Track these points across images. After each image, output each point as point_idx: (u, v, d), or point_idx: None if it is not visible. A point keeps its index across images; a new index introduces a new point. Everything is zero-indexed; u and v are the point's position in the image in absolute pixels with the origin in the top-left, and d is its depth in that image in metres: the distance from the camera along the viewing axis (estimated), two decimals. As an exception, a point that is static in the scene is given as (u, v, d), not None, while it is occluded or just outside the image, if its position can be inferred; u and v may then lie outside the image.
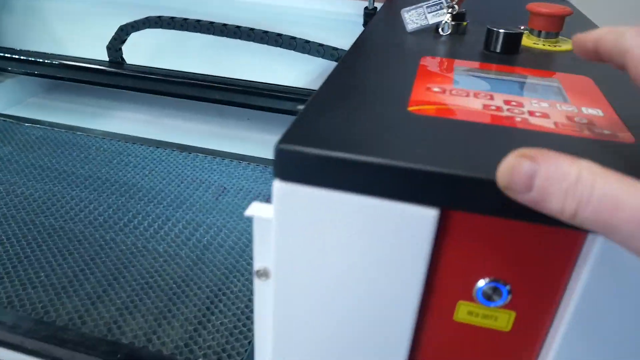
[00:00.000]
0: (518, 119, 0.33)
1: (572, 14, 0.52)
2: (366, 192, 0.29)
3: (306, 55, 0.87)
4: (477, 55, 0.48)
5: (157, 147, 0.97)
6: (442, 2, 0.54)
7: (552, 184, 0.22)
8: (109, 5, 1.15)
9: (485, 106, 0.35)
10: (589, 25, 0.64)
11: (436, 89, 0.38)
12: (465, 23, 0.56)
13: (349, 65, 0.43)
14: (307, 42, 0.86)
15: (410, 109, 0.34)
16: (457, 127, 0.32)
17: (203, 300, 0.63)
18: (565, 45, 0.53)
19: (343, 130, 0.31)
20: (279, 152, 0.30)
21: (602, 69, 0.46)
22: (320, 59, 0.87)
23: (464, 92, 0.37)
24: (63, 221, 0.76)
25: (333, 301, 0.33)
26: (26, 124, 1.06)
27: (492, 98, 0.37)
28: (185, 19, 0.92)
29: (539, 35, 0.53)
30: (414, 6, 0.55)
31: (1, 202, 0.81)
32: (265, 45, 0.89)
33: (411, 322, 0.32)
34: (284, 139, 0.30)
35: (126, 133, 1.03)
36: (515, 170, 0.23)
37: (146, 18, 0.95)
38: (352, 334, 0.34)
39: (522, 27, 0.56)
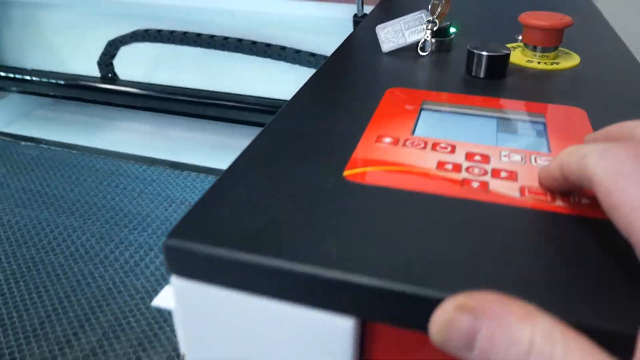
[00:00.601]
0: (475, 185, 0.27)
1: (573, 24, 0.45)
2: (267, 294, 0.23)
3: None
4: (456, 81, 0.42)
5: (150, 166, 0.94)
6: (421, 17, 0.48)
7: (498, 349, 0.17)
8: (107, 16, 1.12)
9: (440, 165, 0.29)
10: (600, 29, 0.56)
11: (388, 140, 0.32)
12: (450, 37, 0.49)
13: (297, 106, 0.38)
14: (298, 52, 0.81)
15: (345, 173, 0.28)
16: (392, 205, 0.26)
17: (177, 344, 0.59)
18: (565, 62, 0.46)
19: (247, 217, 0.25)
20: (166, 248, 0.24)
21: (600, 95, 0.39)
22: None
23: (421, 143, 0.31)
24: (44, 253, 0.73)
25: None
26: (23, 143, 1.04)
27: (453, 151, 0.30)
28: (173, 32, 0.88)
29: (534, 49, 0.46)
30: (390, 22, 0.48)
31: (-14, 232, 0.79)
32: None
33: None
34: (173, 233, 0.24)
35: (124, 146, 1.00)
36: (452, 325, 0.18)
37: (133, 32, 0.91)
38: None
39: (520, 38, 0.49)
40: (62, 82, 1.01)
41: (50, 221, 0.80)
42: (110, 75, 0.99)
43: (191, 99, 0.92)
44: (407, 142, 0.31)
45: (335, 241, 0.23)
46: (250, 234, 0.24)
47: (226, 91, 0.93)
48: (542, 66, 0.45)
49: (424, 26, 0.47)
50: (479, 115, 0.36)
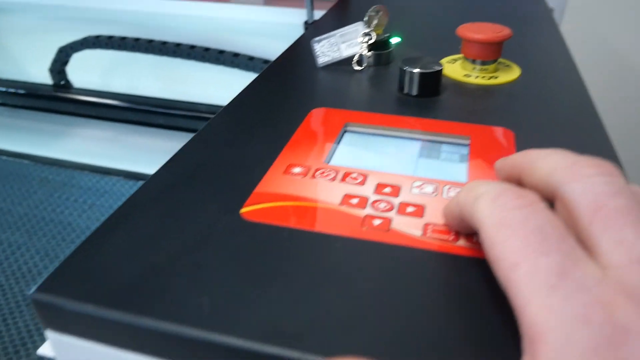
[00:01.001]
0: (376, 223, 0.25)
1: (512, 36, 0.43)
2: (139, 351, 0.21)
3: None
4: (388, 100, 0.40)
5: (104, 176, 0.91)
6: (357, 29, 0.46)
7: None
8: (62, 21, 1.09)
9: (345, 199, 0.27)
10: (550, 39, 0.55)
11: (297, 170, 0.30)
12: (389, 51, 0.47)
13: (212, 131, 0.35)
14: (251, 58, 0.79)
15: (242, 211, 0.26)
16: (282, 249, 0.24)
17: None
18: (504, 75, 0.44)
19: (123, 268, 0.23)
20: (35, 302, 0.22)
21: (532, 113, 0.37)
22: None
23: (332, 173, 0.29)
24: (-15, 271, 0.70)
25: None
26: (-26, 153, 1.01)
27: (363, 182, 0.29)
28: (124, 38, 0.85)
29: (473, 62, 0.45)
30: (326, 35, 0.46)
31: None
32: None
33: None
34: (42, 287, 0.22)
35: (79, 155, 0.96)
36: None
37: (84, 39, 0.88)
38: None
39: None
40: (12, 89, 0.97)
41: (-5, 237, 0.77)
42: (63, 82, 0.95)
43: (146, 108, 0.89)
44: (317, 173, 0.29)
45: (210, 296, 0.21)
46: (121, 288, 0.22)
47: (183, 99, 0.90)
48: (479, 81, 0.43)
49: (360, 39, 0.45)
50: (404, 138, 0.35)
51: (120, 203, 0.80)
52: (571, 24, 0.93)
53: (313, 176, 0.29)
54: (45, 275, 0.66)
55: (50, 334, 0.24)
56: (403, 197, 0.27)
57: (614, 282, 0.15)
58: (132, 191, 0.87)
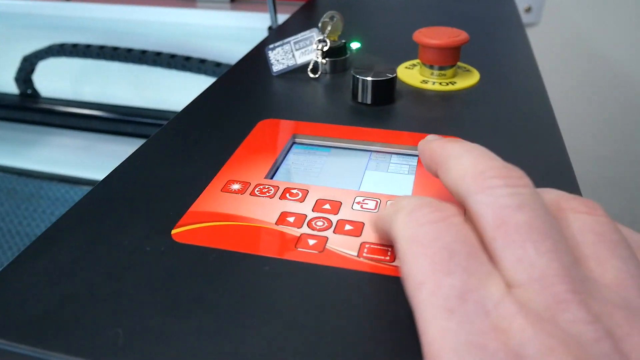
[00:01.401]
0: (311, 243, 0.24)
1: (468, 41, 0.43)
2: None
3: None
4: (341, 109, 0.39)
5: (74, 186, 0.89)
6: (312, 36, 0.45)
7: None
8: (27, 29, 1.06)
9: (282, 217, 0.26)
10: (514, 41, 0.54)
11: (236, 187, 0.29)
12: (344, 57, 0.46)
13: (152, 146, 0.34)
14: (202, 61, 0.77)
15: (173, 232, 0.25)
16: (210, 274, 0.23)
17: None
18: (462, 81, 0.44)
19: (39, 296, 0.22)
20: None
21: (484, 122, 0.36)
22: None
23: (271, 189, 0.28)
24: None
25: None
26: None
27: (303, 199, 0.28)
28: (89, 46, 0.83)
29: (431, 68, 0.44)
30: (280, 42, 0.45)
31: None
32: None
33: None
34: None
35: (49, 165, 0.94)
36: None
37: (49, 47, 0.86)
38: None
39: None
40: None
41: (-43, 252, 0.75)
42: (29, 91, 0.93)
43: (116, 117, 0.87)
44: (256, 189, 0.28)
45: (125, 328, 0.20)
46: (34, 320, 0.21)
47: (154, 106, 0.89)
48: (436, 87, 0.43)
49: (315, 46, 0.44)
50: (353, 150, 0.34)
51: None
52: (549, 20, 0.93)
53: (252, 193, 0.28)
54: None
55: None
56: (342, 214, 0.26)
57: (514, 302, 0.15)
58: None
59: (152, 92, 0.95)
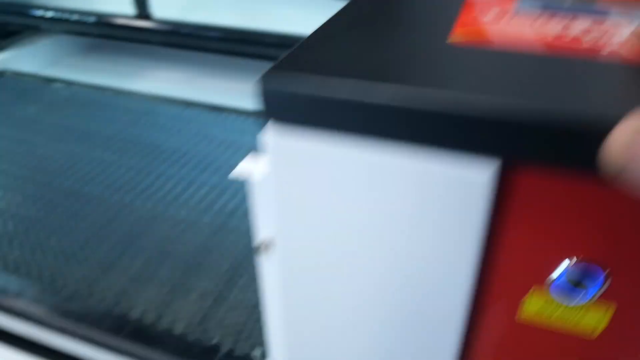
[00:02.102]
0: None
1: None
2: (386, 136, 0.20)
3: None
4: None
5: (187, 107, 0.91)
6: None
7: None
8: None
9: (564, 30, 0.25)
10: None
11: (489, 16, 0.28)
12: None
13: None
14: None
15: (450, 39, 0.25)
16: (514, 60, 0.22)
17: (223, 272, 0.56)
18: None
19: (358, 57, 0.22)
20: (265, 81, 0.21)
21: None
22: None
23: (532, 16, 0.27)
24: (81, 183, 0.71)
25: (349, 280, 0.25)
26: (55, 84, 1.01)
27: (567, 27, 0.26)
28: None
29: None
30: None
31: (21, 163, 0.76)
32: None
33: (458, 321, 0.24)
34: (272, 70, 0.21)
35: (158, 92, 0.97)
36: (634, 147, 0.15)
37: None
38: (375, 325, 0.26)
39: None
40: (93, 19, 0.98)
41: (85, 155, 0.78)
42: (144, 13, 0.95)
43: (227, 37, 0.88)
44: (515, 16, 0.27)
45: (462, 82, 0.19)
46: (367, 69, 0.20)
47: (267, 30, 0.89)
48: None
49: None
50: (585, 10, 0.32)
51: (208, 131, 0.79)
52: None
53: (510, 20, 0.27)
54: (141, 188, 0.65)
55: (272, 134, 0.22)
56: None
57: None
58: (218, 121, 0.87)
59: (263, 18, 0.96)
